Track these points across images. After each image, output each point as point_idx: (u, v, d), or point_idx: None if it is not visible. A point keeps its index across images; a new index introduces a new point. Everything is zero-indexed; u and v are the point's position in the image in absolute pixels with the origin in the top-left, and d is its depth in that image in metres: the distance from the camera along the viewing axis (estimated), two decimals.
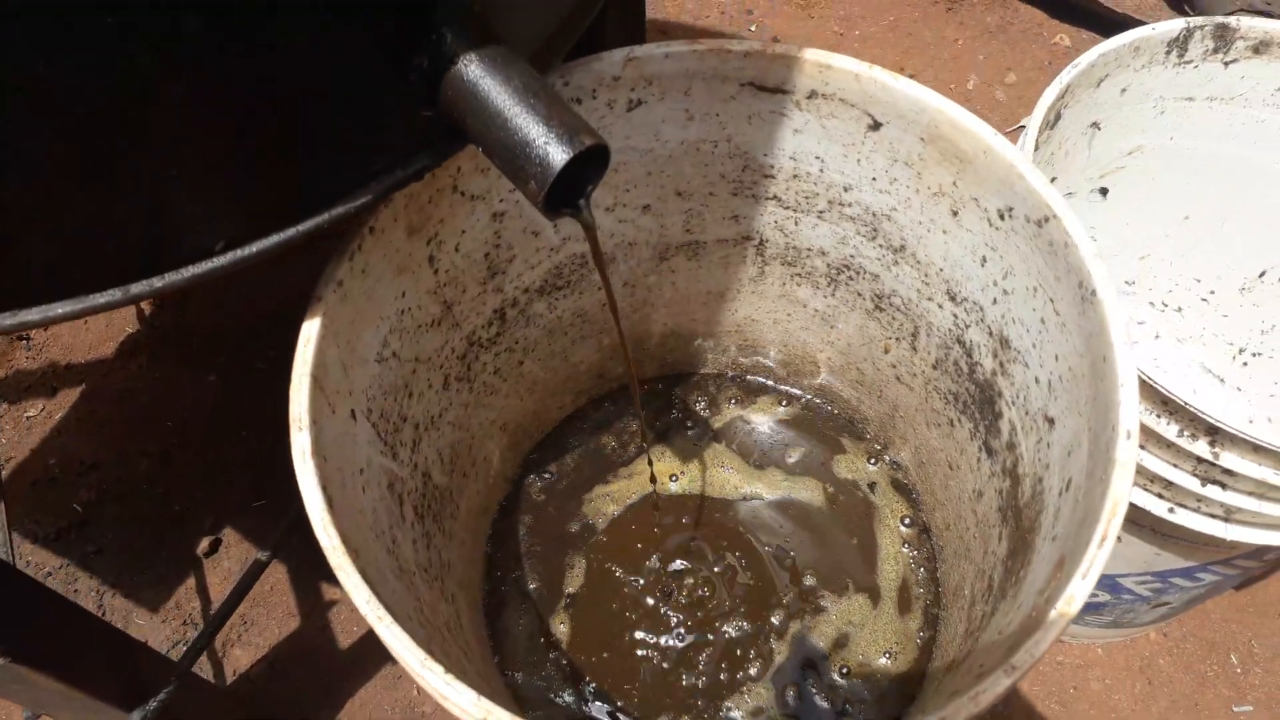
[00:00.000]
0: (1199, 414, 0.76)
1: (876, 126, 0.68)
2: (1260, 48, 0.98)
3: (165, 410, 1.42)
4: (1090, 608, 1.13)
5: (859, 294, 0.83)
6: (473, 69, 0.48)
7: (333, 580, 1.27)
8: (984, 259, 0.68)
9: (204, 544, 1.32)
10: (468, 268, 0.74)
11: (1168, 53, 0.98)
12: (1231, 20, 0.97)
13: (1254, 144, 1.07)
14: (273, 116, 0.47)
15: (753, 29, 1.81)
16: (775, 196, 0.78)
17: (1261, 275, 1.18)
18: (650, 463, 0.95)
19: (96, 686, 0.81)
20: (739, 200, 0.80)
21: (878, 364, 0.88)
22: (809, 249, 0.82)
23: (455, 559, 0.81)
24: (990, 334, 0.71)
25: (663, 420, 1.00)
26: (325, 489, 0.53)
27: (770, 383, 1.00)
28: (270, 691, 1.21)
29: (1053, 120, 0.94)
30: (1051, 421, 0.63)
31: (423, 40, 0.48)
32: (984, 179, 0.64)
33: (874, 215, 0.75)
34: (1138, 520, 0.92)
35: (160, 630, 1.28)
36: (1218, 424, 0.76)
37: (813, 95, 0.69)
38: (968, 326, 0.74)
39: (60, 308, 0.49)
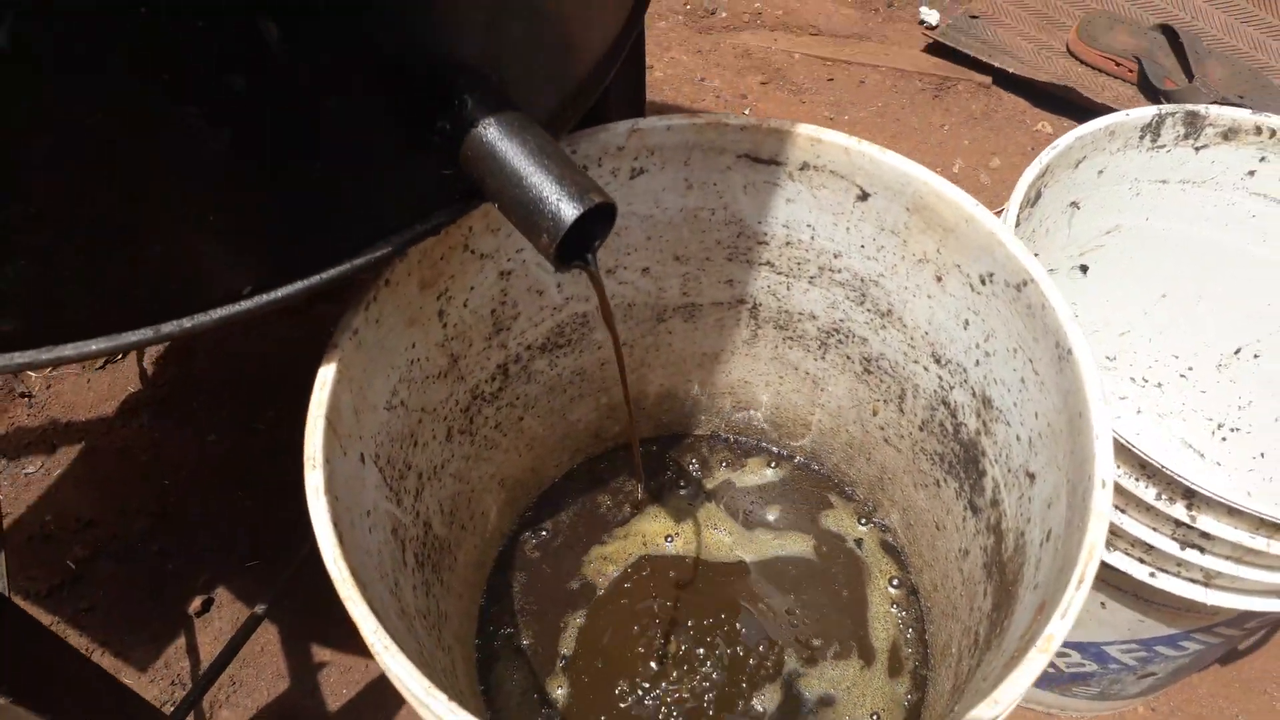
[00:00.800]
0: (1176, 477, 0.79)
1: (865, 197, 0.73)
2: (1229, 134, 1.04)
3: (165, 468, 1.43)
4: (1078, 678, 1.14)
5: (848, 357, 0.87)
6: (491, 132, 0.52)
7: (322, 642, 1.27)
8: (966, 322, 0.72)
9: (196, 603, 1.32)
10: (475, 323, 0.77)
11: (1141, 137, 1.04)
12: (1201, 108, 1.03)
13: (1225, 226, 1.12)
14: (304, 171, 0.51)
15: (747, 112, 1.88)
16: (769, 262, 0.82)
17: (1237, 353, 1.22)
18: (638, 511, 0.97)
19: None
20: (734, 265, 0.84)
21: (866, 426, 0.91)
22: (800, 313, 0.86)
23: (452, 611, 0.82)
24: (974, 394, 0.74)
25: (657, 480, 1.02)
26: (336, 525, 0.55)
27: (761, 444, 1.03)
28: None
29: (1034, 198, 0.98)
30: (1032, 477, 0.66)
31: (446, 106, 0.52)
32: (966, 246, 0.68)
33: (862, 281, 0.79)
34: (1121, 585, 0.94)
35: (148, 690, 1.27)
36: (1194, 487, 0.79)
37: (805, 167, 0.73)
38: (952, 388, 0.77)
39: (94, 345, 0.52)
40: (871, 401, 0.89)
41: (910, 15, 2.04)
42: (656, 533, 0.98)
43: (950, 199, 0.67)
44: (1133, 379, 1.33)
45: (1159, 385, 1.31)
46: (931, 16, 2.03)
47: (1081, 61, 1.95)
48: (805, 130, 0.71)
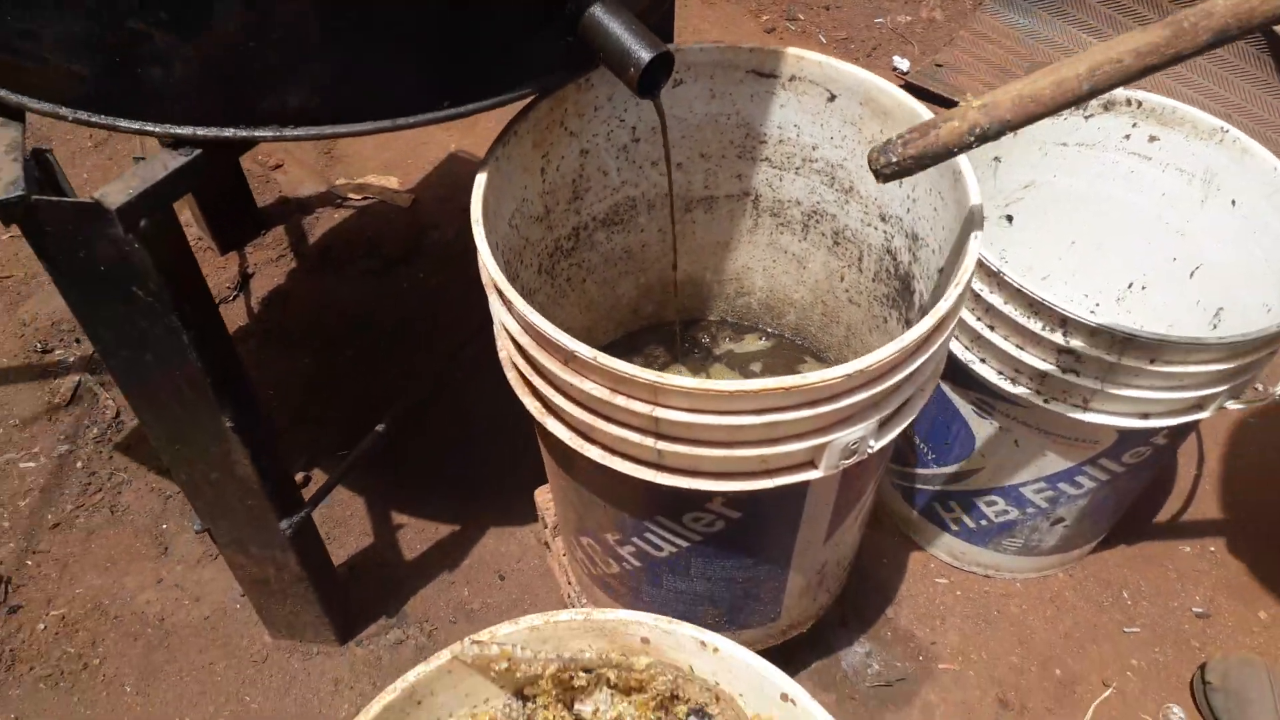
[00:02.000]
0: (1053, 307, 1.12)
1: (833, 98, 1.08)
2: (1108, 105, 1.40)
3: (270, 380, 1.75)
4: (1004, 528, 1.44)
5: (823, 234, 1.21)
6: (598, 10, 0.87)
7: (401, 509, 1.57)
8: (900, 181, 1.06)
9: (299, 478, 1.63)
10: (562, 185, 1.11)
11: None
12: None
13: (1111, 181, 1.47)
14: (485, 29, 0.85)
15: None
16: (767, 158, 1.17)
17: (1129, 287, 1.56)
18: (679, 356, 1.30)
19: (268, 478, 1.12)
20: (742, 162, 1.18)
21: (835, 292, 1.25)
22: (789, 200, 1.20)
23: None
24: (906, 235, 1.08)
25: (680, 349, 1.35)
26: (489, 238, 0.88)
27: (757, 325, 1.37)
28: (349, 590, 1.49)
29: None
30: (941, 270, 1.00)
31: None
32: (899, 122, 1.03)
33: (832, 166, 1.14)
34: (1026, 420, 1.26)
35: None
36: (1065, 313, 1.12)
37: (793, 78, 1.08)
38: (893, 237, 1.11)
39: (333, 129, 0.85)
40: (840, 269, 1.22)
41: (885, 64, 2.45)
42: None
43: (888, 90, 1.02)
44: None
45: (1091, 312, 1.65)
46: (903, 65, 2.43)
47: None
48: (793, 51, 1.07)
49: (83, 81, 0.80)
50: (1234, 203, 1.35)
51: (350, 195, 2.10)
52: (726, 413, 0.82)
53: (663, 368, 1.32)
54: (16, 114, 0.86)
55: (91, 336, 0.95)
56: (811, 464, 0.90)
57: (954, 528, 1.50)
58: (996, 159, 1.44)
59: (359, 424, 1.67)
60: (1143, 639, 1.49)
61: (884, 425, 0.91)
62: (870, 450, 0.91)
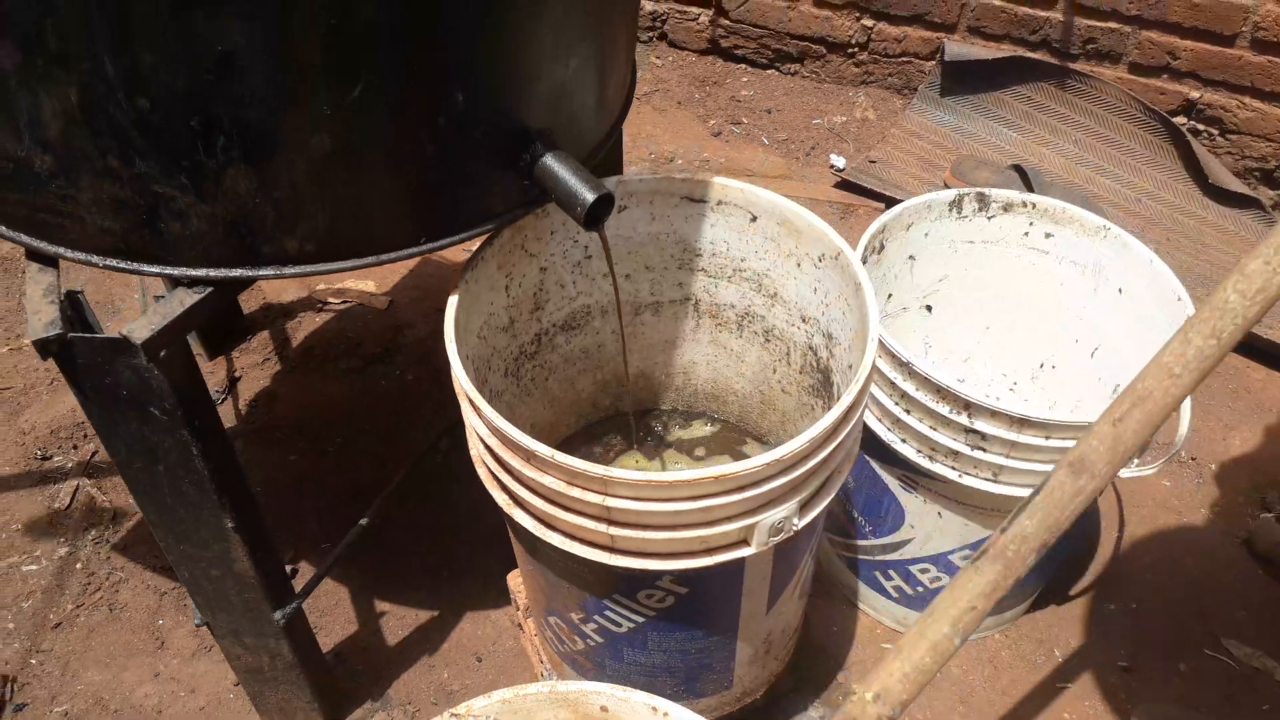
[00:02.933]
0: (958, 393, 1.28)
1: (754, 219, 1.25)
2: (1008, 207, 1.58)
3: (255, 478, 1.87)
4: (938, 593, 1.57)
5: (755, 332, 1.37)
6: (549, 160, 1.04)
7: (383, 596, 1.68)
8: (815, 288, 1.22)
9: (286, 569, 1.73)
10: (524, 299, 1.27)
11: (949, 209, 1.58)
12: (986, 191, 1.57)
13: (1016, 273, 1.64)
14: (454, 178, 1.02)
15: None
16: (703, 269, 1.33)
17: (1041, 366, 1.73)
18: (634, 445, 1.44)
19: (264, 573, 1.23)
20: (683, 272, 1.35)
21: (770, 383, 1.40)
22: (725, 304, 1.36)
23: None
24: (824, 334, 1.24)
25: (634, 438, 1.49)
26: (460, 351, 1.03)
27: (704, 411, 1.52)
28: (335, 674, 1.59)
29: (878, 247, 1.51)
30: (850, 367, 1.15)
31: (527, 147, 1.04)
32: (810, 241, 1.20)
33: (759, 275, 1.30)
34: (946, 493, 1.41)
35: None
36: (968, 398, 1.28)
37: (720, 203, 1.25)
38: (812, 335, 1.27)
39: (325, 266, 1.00)
40: (772, 363, 1.38)
41: (823, 161, 2.66)
42: (631, 465, 1.44)
43: (801, 214, 1.19)
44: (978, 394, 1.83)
45: (997, 399, 1.81)
46: (839, 162, 2.64)
47: None
48: (718, 180, 1.24)
49: (113, 235, 0.95)
50: (1120, 290, 1.53)
51: (330, 299, 2.25)
52: (668, 499, 0.96)
53: (619, 454, 1.46)
54: (52, 261, 1.00)
55: (110, 452, 1.08)
56: (745, 542, 1.04)
57: (894, 595, 1.64)
58: (912, 258, 1.61)
59: (343, 515, 1.79)
60: (1074, 693, 1.62)
61: (805, 506, 1.05)
62: (795, 527, 1.05)
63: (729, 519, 1.00)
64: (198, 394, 1.05)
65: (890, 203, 2.49)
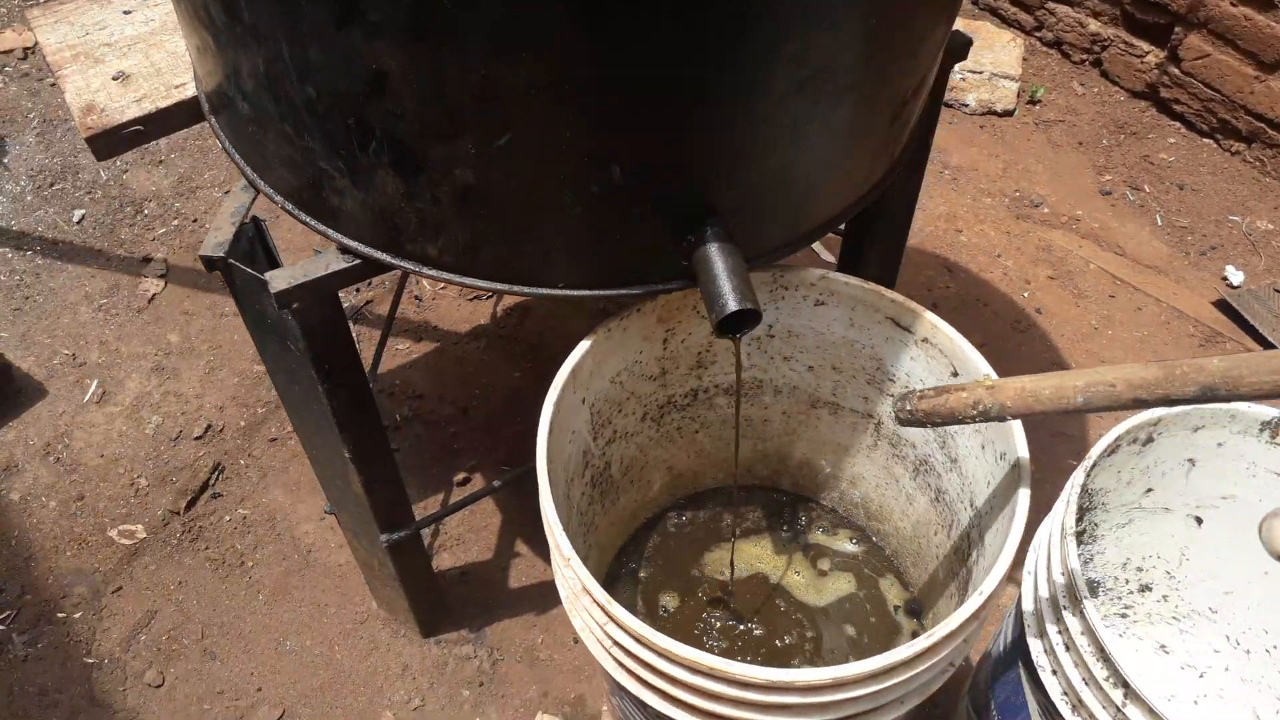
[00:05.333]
0: (1119, 669, 1.03)
1: (956, 374, 1.06)
2: None
3: (481, 380, 1.98)
4: None
5: (928, 484, 1.19)
6: (711, 251, 0.93)
7: (526, 542, 1.73)
8: (988, 482, 1.03)
9: (460, 476, 1.85)
10: (685, 355, 1.19)
11: (1260, 430, 1.24)
12: None
13: None
14: (621, 242, 0.95)
15: (1025, 295, 2.15)
16: (891, 394, 1.17)
17: None
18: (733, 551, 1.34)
19: (378, 501, 1.31)
20: (870, 388, 1.19)
21: (929, 540, 1.22)
22: (906, 441, 1.19)
23: (603, 526, 1.24)
24: (979, 534, 1.05)
25: (772, 520, 1.38)
26: (552, 426, 0.99)
27: (857, 523, 1.36)
28: (452, 590, 1.69)
29: (1144, 439, 1.23)
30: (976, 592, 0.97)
31: (695, 229, 0.94)
32: (997, 429, 1.00)
33: (946, 433, 1.12)
34: None
35: None
36: (1128, 679, 1.03)
37: (924, 340, 1.08)
38: (973, 527, 1.08)
39: (483, 283, 0.99)
40: (936, 524, 1.20)
41: (1217, 269, 2.21)
42: (756, 555, 1.34)
43: None
44: (1228, 636, 1.48)
45: (1248, 652, 1.46)
46: (1236, 277, 2.18)
47: None
48: (929, 316, 1.06)
49: (290, 185, 1.00)
50: None
51: None
52: (704, 674, 0.86)
53: (750, 534, 1.37)
54: (254, 187, 1.09)
55: (262, 356, 1.18)
56: None
57: None
58: (1190, 461, 1.30)
59: (531, 447, 1.85)
60: None
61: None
62: None
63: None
64: (335, 344, 1.11)
65: (1270, 349, 2.03)
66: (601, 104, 0.83)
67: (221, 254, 1.02)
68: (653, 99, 0.83)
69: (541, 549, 1.75)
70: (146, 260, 2.19)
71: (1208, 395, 0.85)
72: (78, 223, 2.26)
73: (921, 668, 0.87)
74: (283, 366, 1.15)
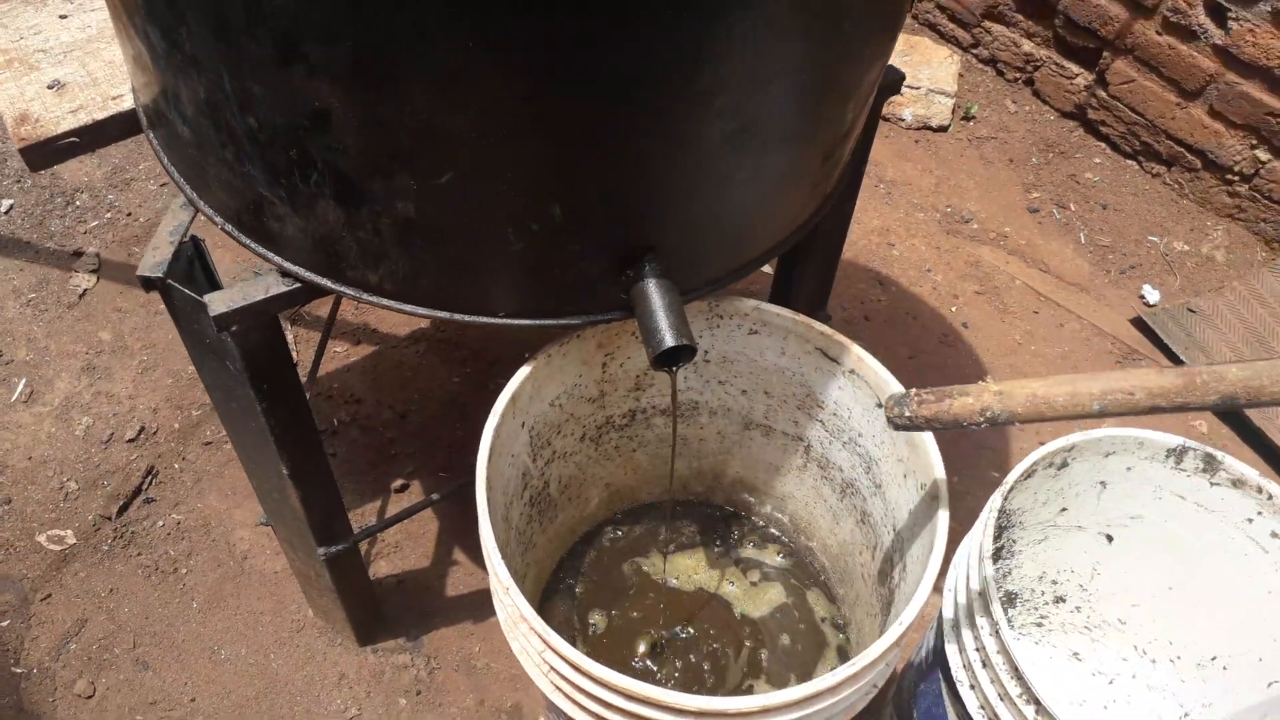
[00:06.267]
0: (1031, 687, 1.09)
1: (880, 406, 1.10)
2: (1237, 483, 1.29)
3: (419, 384, 1.99)
4: None
5: (855, 507, 1.23)
6: (649, 286, 0.96)
7: (463, 550, 1.75)
8: (910, 509, 1.08)
9: (398, 482, 1.85)
10: (624, 378, 1.21)
11: (1166, 456, 1.31)
12: (1218, 454, 1.29)
13: (1225, 553, 1.35)
14: (559, 273, 0.97)
15: (953, 310, 2.22)
16: (821, 421, 1.21)
17: (1213, 659, 1.44)
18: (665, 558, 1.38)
19: (315, 516, 1.32)
20: (800, 413, 1.23)
21: (854, 561, 1.27)
22: (834, 464, 1.24)
23: (540, 544, 1.27)
24: (902, 559, 1.09)
25: (705, 534, 1.42)
26: (492, 450, 1.01)
27: (786, 540, 1.41)
28: (389, 598, 1.70)
29: (1060, 464, 1.29)
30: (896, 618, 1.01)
31: (633, 264, 0.97)
32: (919, 462, 1.04)
33: (870, 459, 1.16)
34: None
35: None
36: (1039, 697, 1.08)
37: (851, 372, 1.12)
38: (894, 552, 1.12)
39: (421, 310, 1.00)
40: (861, 545, 1.24)
41: (1134, 287, 2.30)
42: (689, 568, 1.38)
43: (924, 437, 1.04)
44: (1135, 646, 1.56)
45: (1153, 661, 1.54)
46: (1153, 295, 2.27)
47: None
48: (856, 349, 1.10)
49: (231, 208, 1.00)
50: None
51: None
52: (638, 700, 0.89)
53: (685, 548, 1.40)
54: (193, 206, 1.08)
55: (199, 373, 1.18)
56: None
57: None
58: (1102, 484, 1.37)
59: (471, 452, 1.86)
60: None
61: None
62: None
63: None
64: (275, 362, 1.11)
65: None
66: (541, 149, 0.84)
67: (160, 274, 1.02)
68: (590, 145, 0.85)
69: (480, 557, 1.76)
70: (78, 254, 2.15)
71: (1228, 403, 0.84)
72: (5, 213, 2.21)
73: (846, 693, 0.91)
74: (220, 384, 1.15)
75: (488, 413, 1.83)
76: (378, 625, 1.66)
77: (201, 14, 0.79)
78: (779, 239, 1.09)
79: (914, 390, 0.90)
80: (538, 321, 1.02)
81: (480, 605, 1.71)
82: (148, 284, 1.03)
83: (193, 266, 1.09)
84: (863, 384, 1.12)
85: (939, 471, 1.01)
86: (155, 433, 1.87)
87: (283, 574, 1.71)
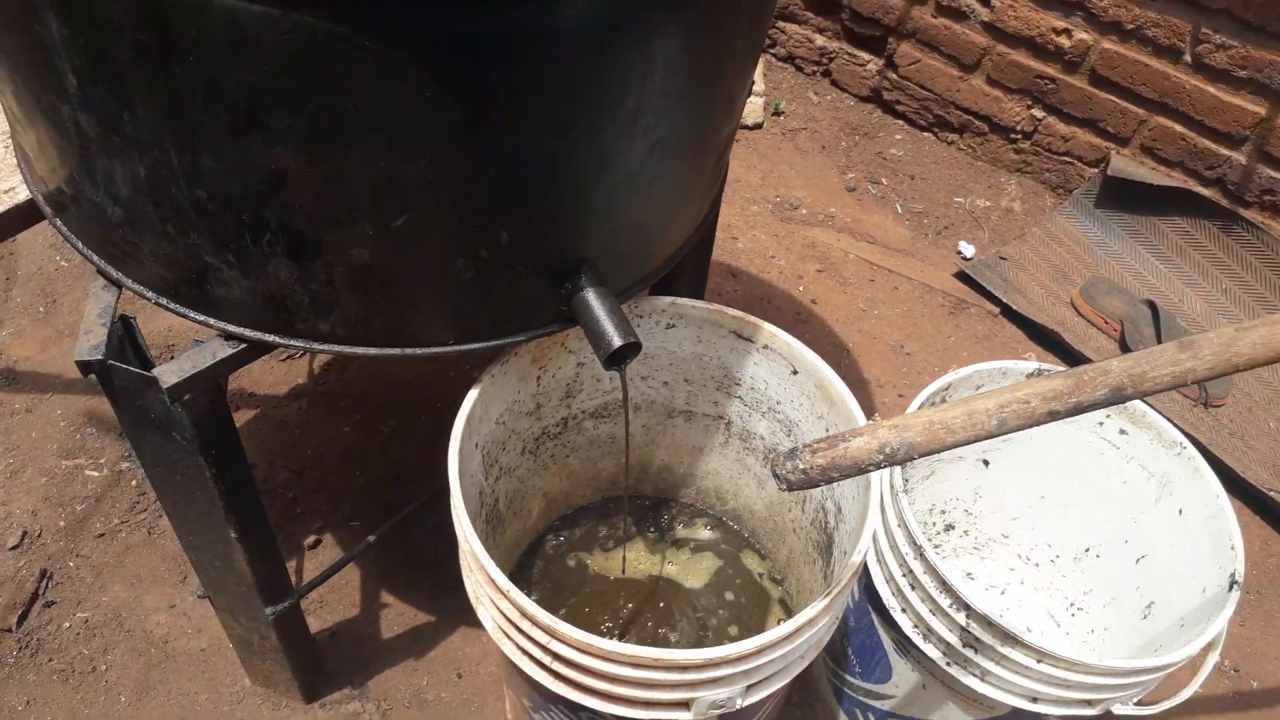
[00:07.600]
0: (958, 593, 1.24)
1: (795, 373, 1.23)
2: None
3: (309, 441, 1.97)
4: None
5: None
6: (589, 295, 1.04)
7: (390, 590, 1.76)
8: None
9: (310, 539, 1.84)
10: (556, 388, 1.29)
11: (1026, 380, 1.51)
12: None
13: (1083, 456, 1.57)
14: (497, 291, 1.04)
15: (800, 289, 2.40)
16: (740, 397, 1.33)
17: (1086, 550, 1.65)
18: (625, 551, 1.46)
19: (261, 576, 1.32)
20: (720, 394, 1.34)
21: (784, 519, 1.39)
22: (755, 434, 1.36)
23: (495, 559, 1.31)
24: (835, 504, 1.22)
25: (641, 524, 1.51)
26: (460, 470, 1.06)
27: (718, 515, 1.52)
28: (327, 653, 1.69)
29: (939, 400, 1.46)
30: (845, 553, 1.14)
31: (571, 277, 1.05)
32: (840, 414, 1.17)
33: (791, 422, 1.28)
34: (934, 673, 1.38)
35: None
36: (968, 601, 1.24)
37: (765, 347, 1.24)
38: (826, 499, 1.25)
39: (352, 349, 1.04)
40: (789, 502, 1.37)
41: (951, 245, 2.56)
42: (633, 558, 1.46)
43: (837, 384, 1.17)
44: (1019, 555, 1.76)
45: (1036, 565, 1.75)
46: (968, 250, 2.54)
47: (1079, 313, 2.42)
48: (768, 327, 1.22)
49: (167, 281, 1.01)
50: (1180, 511, 1.45)
51: None
52: (607, 659, 0.98)
53: (624, 542, 1.49)
54: (117, 285, 1.08)
55: (138, 454, 1.17)
56: (685, 706, 1.05)
57: None
58: None
59: (377, 500, 1.87)
60: None
61: (752, 688, 1.05)
62: (738, 705, 1.05)
63: (668, 688, 1.01)
64: (221, 428, 1.12)
65: (1006, 309, 2.40)
66: (492, 185, 0.91)
67: (99, 357, 1.01)
68: (536, 171, 0.93)
69: (408, 595, 1.78)
70: None
71: (1117, 396, 0.87)
72: None
73: (809, 633, 1.02)
74: (163, 459, 1.14)
75: (384, 458, 1.86)
76: (322, 681, 1.65)
77: (151, 99, 0.82)
78: (687, 236, 1.20)
79: (803, 444, 0.88)
80: (488, 344, 1.08)
81: (418, 641, 1.73)
82: (86, 368, 1.02)
83: (124, 345, 1.08)
84: (776, 356, 1.24)
85: (861, 420, 1.14)
86: (39, 535, 1.78)
87: (210, 649, 1.67)
